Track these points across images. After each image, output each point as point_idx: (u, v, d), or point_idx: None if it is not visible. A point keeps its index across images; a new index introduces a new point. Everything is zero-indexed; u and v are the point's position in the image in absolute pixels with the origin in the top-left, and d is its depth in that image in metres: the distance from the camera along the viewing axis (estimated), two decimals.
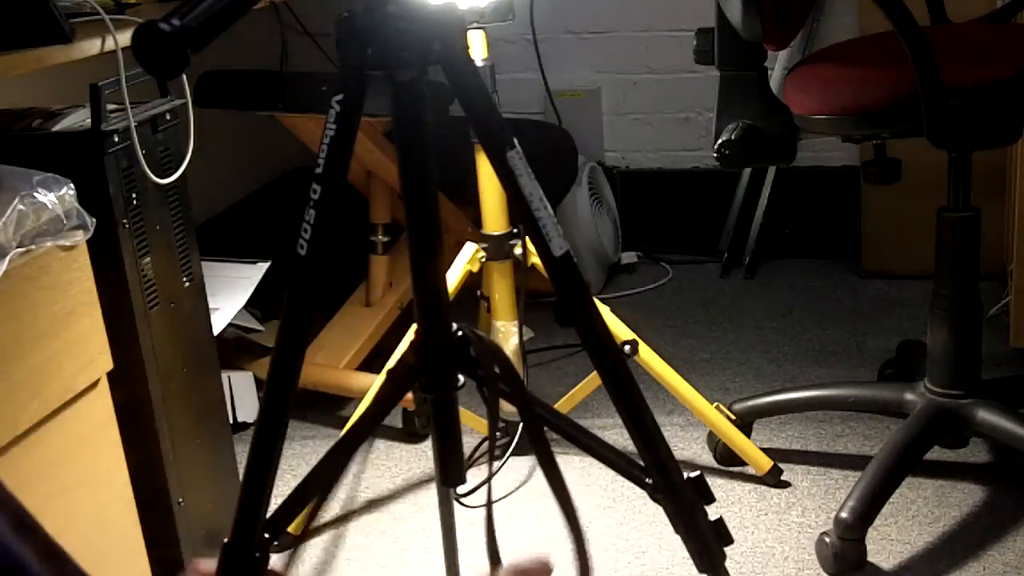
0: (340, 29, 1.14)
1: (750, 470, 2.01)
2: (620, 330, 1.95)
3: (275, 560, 1.09)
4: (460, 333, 1.27)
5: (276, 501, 1.24)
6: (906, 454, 1.82)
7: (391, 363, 1.89)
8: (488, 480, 1.19)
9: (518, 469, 2.10)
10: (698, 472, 1.40)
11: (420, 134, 1.20)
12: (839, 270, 2.87)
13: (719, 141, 1.81)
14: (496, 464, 2.09)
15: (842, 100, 1.71)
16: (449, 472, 1.34)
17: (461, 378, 1.29)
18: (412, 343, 1.28)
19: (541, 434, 1.21)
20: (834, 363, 2.42)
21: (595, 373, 1.33)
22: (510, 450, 2.08)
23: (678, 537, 1.40)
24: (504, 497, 2.02)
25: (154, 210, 1.64)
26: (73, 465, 1.47)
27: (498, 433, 2.13)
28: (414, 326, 1.28)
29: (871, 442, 2.09)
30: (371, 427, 1.33)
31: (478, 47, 1.92)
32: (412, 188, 1.22)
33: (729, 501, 1.94)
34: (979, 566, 1.74)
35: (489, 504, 1.11)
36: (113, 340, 1.54)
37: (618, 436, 2.06)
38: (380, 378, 1.95)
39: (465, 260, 2.03)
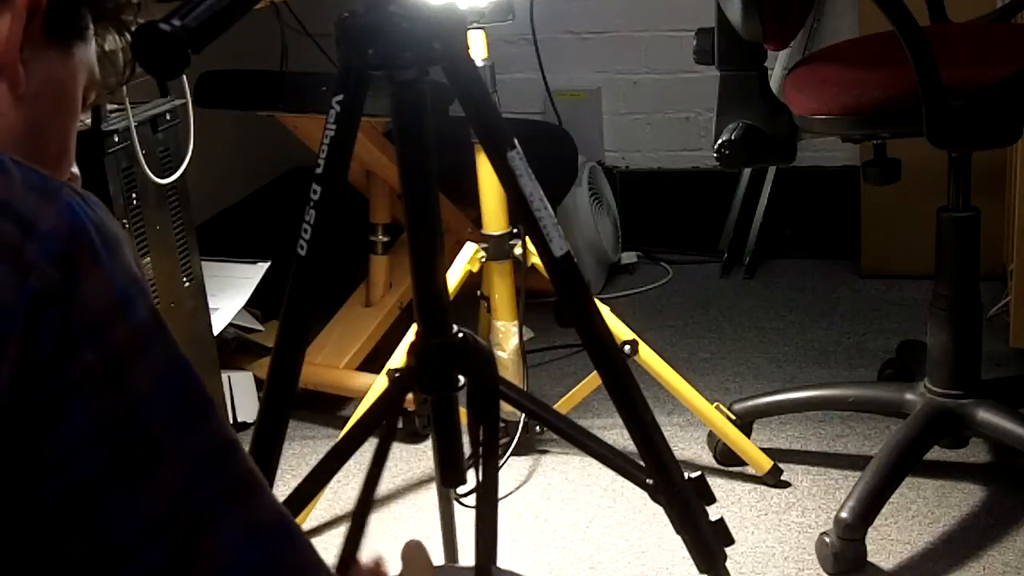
0: (341, 29, 1.14)
1: (750, 470, 2.01)
2: (620, 330, 1.95)
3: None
4: (460, 335, 1.27)
5: None
6: (906, 454, 1.82)
7: (391, 363, 1.89)
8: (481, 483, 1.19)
9: (518, 469, 2.10)
10: (699, 473, 1.40)
11: (420, 134, 1.20)
12: (839, 270, 2.87)
13: (719, 141, 1.80)
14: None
15: (842, 100, 1.71)
16: (449, 472, 1.34)
17: (461, 379, 1.29)
18: (412, 344, 1.28)
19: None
20: (834, 363, 2.42)
21: (595, 373, 1.33)
22: (510, 450, 2.08)
23: (678, 537, 1.40)
24: (504, 497, 2.02)
25: (154, 210, 1.64)
26: None
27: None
28: (415, 326, 1.28)
29: (871, 442, 2.09)
30: (371, 429, 1.33)
31: (478, 47, 1.92)
32: (412, 188, 1.22)
33: (729, 501, 1.94)
34: (979, 566, 1.74)
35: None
36: None
37: (618, 436, 2.06)
38: (380, 378, 1.95)
39: (465, 260, 2.03)
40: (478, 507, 1.22)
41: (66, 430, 0.58)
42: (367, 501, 1.20)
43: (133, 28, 0.82)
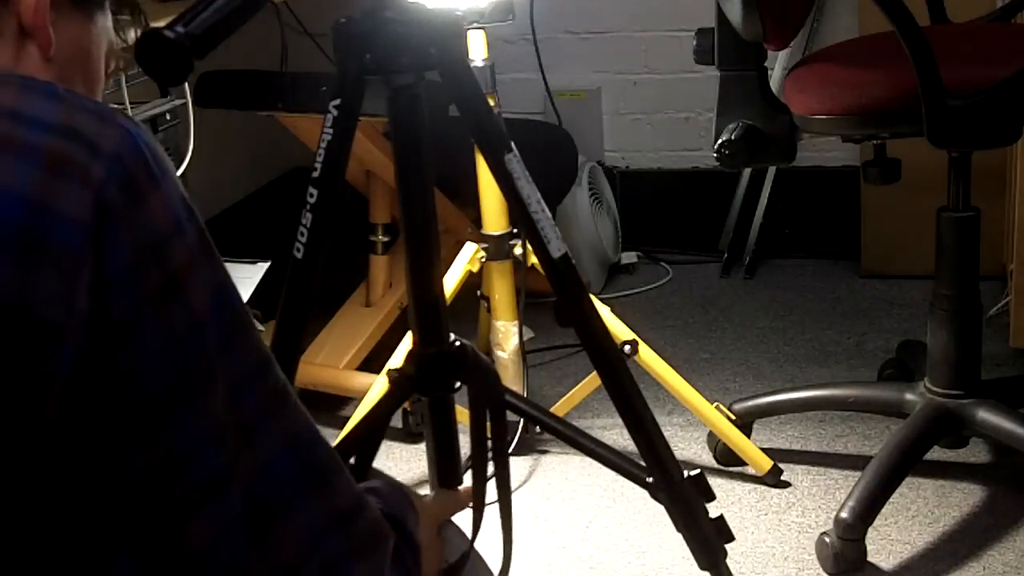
0: (337, 34, 1.14)
1: (750, 470, 2.01)
2: (620, 330, 1.95)
3: None
4: (458, 344, 1.27)
5: None
6: (906, 454, 1.82)
7: (391, 363, 1.89)
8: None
9: (518, 469, 2.10)
10: (698, 471, 1.41)
11: (417, 139, 1.21)
12: (839, 270, 2.87)
13: (719, 141, 1.80)
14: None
15: (842, 100, 1.71)
16: (444, 474, 1.34)
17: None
18: (409, 353, 1.28)
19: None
20: (834, 363, 2.42)
21: (595, 373, 1.34)
22: (509, 450, 2.08)
23: (679, 537, 1.40)
24: None
25: None
26: None
27: None
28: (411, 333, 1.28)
29: (871, 442, 2.09)
30: (370, 433, 1.33)
31: (478, 47, 1.92)
32: (409, 193, 1.23)
33: (729, 501, 1.94)
34: (979, 566, 1.74)
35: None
36: None
37: (618, 436, 2.06)
38: (380, 378, 1.95)
39: (465, 260, 2.03)
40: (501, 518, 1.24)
41: (140, 347, 0.63)
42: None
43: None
